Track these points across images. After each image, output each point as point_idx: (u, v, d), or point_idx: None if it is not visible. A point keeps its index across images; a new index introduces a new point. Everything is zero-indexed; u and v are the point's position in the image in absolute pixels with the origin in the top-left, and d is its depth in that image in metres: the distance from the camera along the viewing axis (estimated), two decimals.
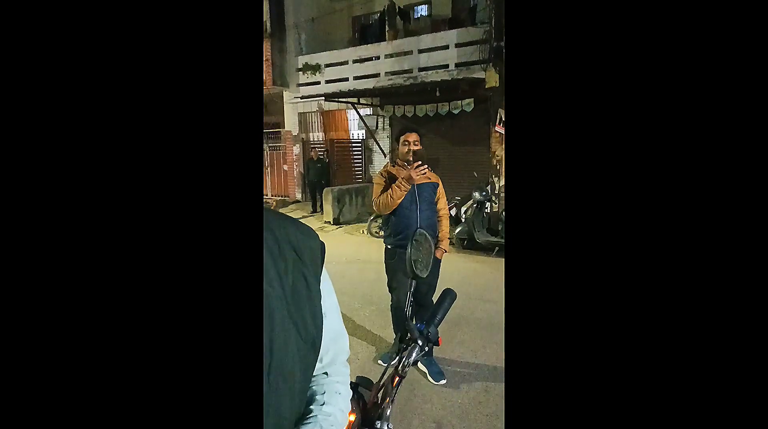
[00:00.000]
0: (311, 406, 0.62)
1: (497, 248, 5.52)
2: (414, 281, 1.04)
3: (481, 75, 6.88)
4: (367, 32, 10.00)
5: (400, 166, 2.61)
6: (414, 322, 1.04)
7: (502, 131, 6.22)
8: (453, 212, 6.24)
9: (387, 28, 9.11)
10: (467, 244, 5.85)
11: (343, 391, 0.66)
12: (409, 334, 1.02)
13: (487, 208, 6.05)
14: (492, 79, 6.25)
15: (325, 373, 0.66)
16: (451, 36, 7.97)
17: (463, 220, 6.05)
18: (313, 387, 0.65)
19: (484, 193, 5.84)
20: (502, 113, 6.22)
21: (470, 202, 5.97)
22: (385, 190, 2.52)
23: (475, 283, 4.47)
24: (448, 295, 1.10)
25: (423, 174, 2.42)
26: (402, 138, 2.60)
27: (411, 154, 2.55)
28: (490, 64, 6.36)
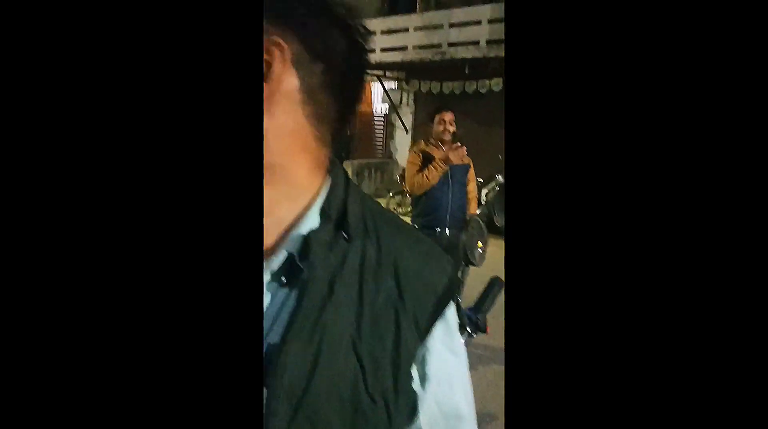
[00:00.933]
0: None
1: None
2: (467, 267, 1.04)
3: None
4: (397, 2, 9.72)
5: (434, 145, 2.57)
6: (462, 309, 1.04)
7: None
8: None
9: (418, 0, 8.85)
10: (486, 227, 5.83)
11: None
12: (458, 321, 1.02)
13: None
14: None
15: None
16: (484, 11, 7.71)
17: (483, 202, 6.01)
18: None
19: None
20: None
21: (492, 184, 5.91)
22: (420, 169, 2.49)
23: (493, 267, 4.47)
24: (497, 283, 1.10)
25: (462, 156, 2.39)
26: (438, 116, 2.56)
27: (447, 133, 2.51)
28: None
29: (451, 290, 0.45)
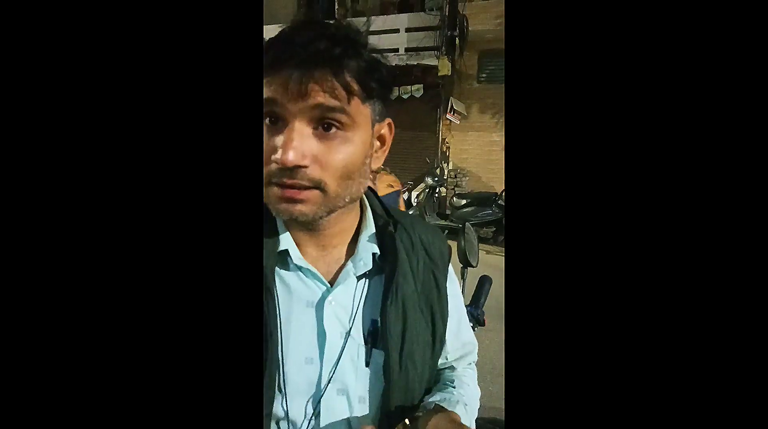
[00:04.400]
0: (441, 385, 0.65)
1: (446, 232, 5.79)
2: (466, 269, 1.14)
3: (432, 62, 7.02)
4: (314, 7, 9.69)
5: None
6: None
7: (453, 119, 6.46)
8: (405, 196, 6.42)
9: (336, 6, 8.91)
10: None
11: (471, 384, 0.68)
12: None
13: (437, 192, 6.30)
14: (444, 67, 6.42)
15: (452, 367, 0.69)
16: (402, 20, 8.00)
17: (414, 204, 6.25)
18: (443, 374, 0.68)
19: (436, 179, 6.06)
20: (453, 102, 6.44)
21: (422, 185, 6.17)
22: None
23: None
24: (487, 280, 1.22)
25: (390, 183, 2.47)
26: None
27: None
28: (443, 51, 6.52)
29: (450, 249, 0.68)
